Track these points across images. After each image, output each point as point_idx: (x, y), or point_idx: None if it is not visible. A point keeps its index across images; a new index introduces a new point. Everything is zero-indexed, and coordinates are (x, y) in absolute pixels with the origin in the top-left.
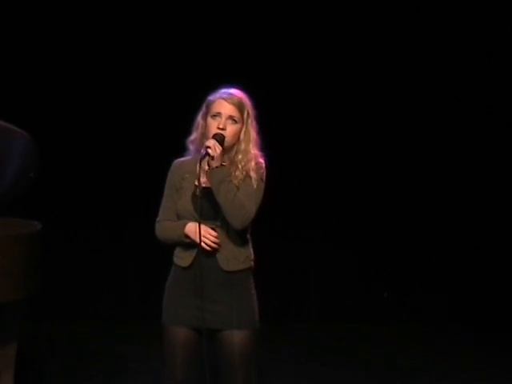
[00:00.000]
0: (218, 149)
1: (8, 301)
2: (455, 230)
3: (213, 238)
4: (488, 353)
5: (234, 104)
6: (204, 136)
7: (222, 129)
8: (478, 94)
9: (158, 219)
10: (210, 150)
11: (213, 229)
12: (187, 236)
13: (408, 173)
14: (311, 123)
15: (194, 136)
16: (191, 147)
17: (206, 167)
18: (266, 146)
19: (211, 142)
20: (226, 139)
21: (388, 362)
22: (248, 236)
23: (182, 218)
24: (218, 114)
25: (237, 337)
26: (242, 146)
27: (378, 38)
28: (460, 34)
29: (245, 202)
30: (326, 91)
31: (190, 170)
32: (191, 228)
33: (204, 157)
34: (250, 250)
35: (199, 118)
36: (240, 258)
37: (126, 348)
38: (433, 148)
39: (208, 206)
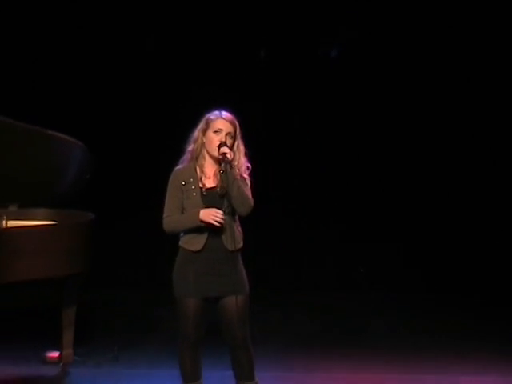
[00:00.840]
0: (231, 154)
1: (71, 274)
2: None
3: (221, 216)
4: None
5: (230, 123)
6: (204, 147)
7: (224, 142)
8: (486, 90)
9: (165, 215)
10: (228, 156)
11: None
12: (202, 220)
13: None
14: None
15: (191, 147)
16: (188, 155)
17: (223, 169)
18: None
19: (227, 150)
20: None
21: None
22: (238, 223)
23: (188, 211)
24: (220, 130)
25: (235, 300)
26: (236, 155)
27: (376, 37)
28: (459, 34)
29: (249, 195)
30: (333, 92)
31: (191, 176)
32: (205, 212)
33: (224, 160)
34: (242, 235)
35: (198, 133)
36: (238, 239)
37: (156, 309)
38: (423, 142)
39: (215, 201)
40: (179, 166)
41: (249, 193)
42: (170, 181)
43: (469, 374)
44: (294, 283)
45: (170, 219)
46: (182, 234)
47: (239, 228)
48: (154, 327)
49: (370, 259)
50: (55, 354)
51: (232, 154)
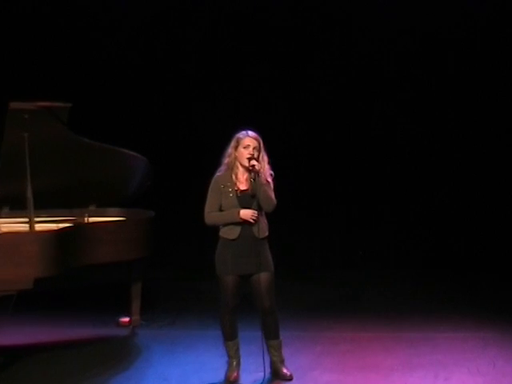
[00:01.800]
0: (259, 166)
1: (137, 257)
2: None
3: (256, 215)
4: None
5: (255, 139)
6: (237, 159)
7: (253, 155)
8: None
9: (207, 211)
10: (257, 167)
11: None
12: (241, 217)
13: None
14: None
15: (227, 160)
16: (225, 166)
17: (252, 177)
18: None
19: (255, 162)
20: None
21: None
22: (265, 217)
23: (225, 209)
24: (248, 146)
25: (263, 276)
26: (261, 163)
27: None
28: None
29: (273, 196)
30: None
31: (227, 181)
32: (245, 212)
33: (253, 171)
34: (267, 226)
35: (231, 149)
36: (264, 230)
37: (201, 284)
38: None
39: (247, 200)
40: (218, 173)
41: (272, 194)
42: (212, 184)
43: (445, 332)
44: (309, 261)
45: (212, 215)
46: (221, 226)
47: (265, 221)
48: (201, 298)
49: (367, 242)
50: (126, 319)
51: (259, 165)
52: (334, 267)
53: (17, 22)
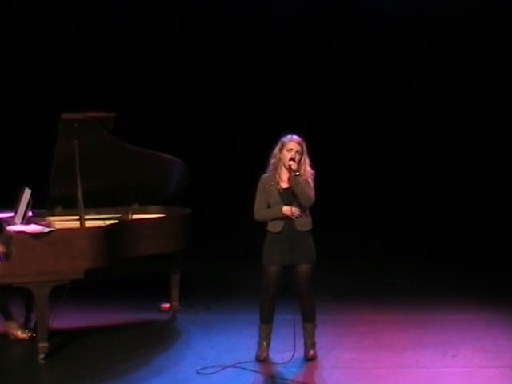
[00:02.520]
0: (295, 166)
1: (175, 250)
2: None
3: (298, 211)
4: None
5: (298, 143)
6: (281, 161)
7: (294, 158)
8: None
9: (256, 208)
10: (293, 167)
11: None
12: (284, 213)
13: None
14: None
15: (272, 161)
16: (271, 167)
17: (288, 175)
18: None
19: (291, 162)
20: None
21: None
22: (308, 212)
23: (271, 206)
24: (291, 149)
25: (304, 267)
26: (303, 166)
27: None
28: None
29: (310, 193)
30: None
31: (272, 180)
32: (287, 208)
33: (291, 170)
34: (310, 219)
35: (276, 151)
36: (307, 223)
37: (235, 273)
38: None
39: (288, 198)
40: (265, 174)
41: (311, 192)
42: (259, 184)
43: (452, 314)
44: (330, 252)
45: (260, 211)
46: (268, 221)
47: (308, 216)
48: (235, 286)
49: (382, 233)
50: (167, 305)
51: (295, 165)
52: (352, 257)
53: (62, 38)
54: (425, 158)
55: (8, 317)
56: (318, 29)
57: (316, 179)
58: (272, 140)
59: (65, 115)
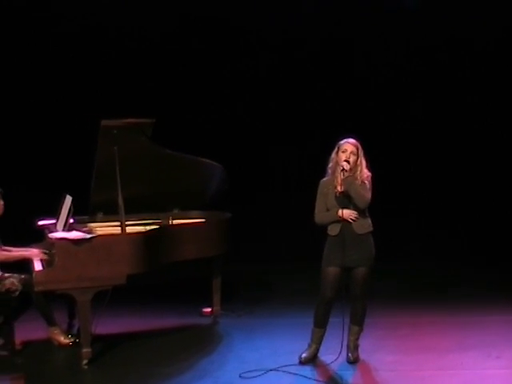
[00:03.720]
0: (347, 166)
1: (216, 254)
2: None
3: (354, 214)
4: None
5: (353, 145)
6: (337, 163)
7: (348, 159)
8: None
9: (315, 212)
10: (345, 167)
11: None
12: (339, 216)
13: None
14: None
15: (330, 164)
16: (329, 171)
17: (342, 177)
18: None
19: (344, 163)
20: (351, 164)
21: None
22: (367, 214)
23: (329, 209)
24: (346, 151)
25: (360, 270)
26: (358, 167)
27: None
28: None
29: (364, 194)
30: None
31: (329, 184)
32: (343, 211)
33: (344, 170)
34: (369, 222)
35: (333, 155)
36: (365, 225)
37: (273, 276)
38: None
39: (344, 201)
40: (324, 178)
41: (366, 193)
42: (319, 188)
43: (492, 315)
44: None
45: (319, 215)
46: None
47: (366, 218)
48: (277, 289)
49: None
50: (208, 309)
51: (348, 165)
52: (392, 259)
53: (101, 45)
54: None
55: (51, 323)
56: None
57: (374, 180)
58: (311, 142)
59: (104, 122)
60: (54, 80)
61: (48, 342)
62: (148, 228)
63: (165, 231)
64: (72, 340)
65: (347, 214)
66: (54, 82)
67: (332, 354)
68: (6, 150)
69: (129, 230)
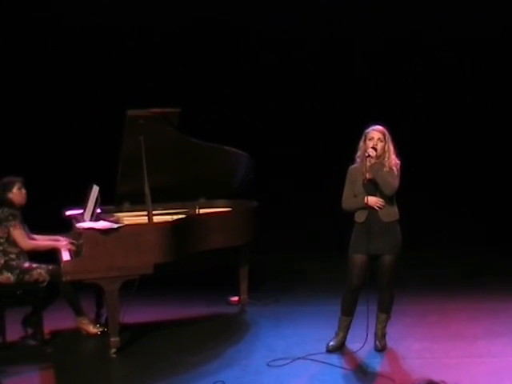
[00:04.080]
0: (373, 153)
1: (243, 243)
2: None
3: (380, 202)
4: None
5: (380, 132)
6: (365, 151)
7: (375, 146)
8: None
9: (343, 198)
10: (371, 154)
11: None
12: (365, 203)
13: None
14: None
15: (359, 153)
16: (358, 159)
17: (369, 164)
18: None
19: (371, 150)
20: (378, 151)
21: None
22: (394, 202)
23: (357, 196)
24: (372, 138)
25: (387, 258)
26: (386, 154)
27: None
28: None
29: (391, 181)
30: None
31: (358, 171)
32: (369, 198)
33: (370, 157)
34: (396, 210)
35: (361, 143)
36: (392, 214)
37: (302, 265)
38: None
39: (371, 188)
40: (353, 166)
41: (394, 180)
42: (347, 174)
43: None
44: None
45: (346, 201)
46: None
47: (393, 206)
48: (303, 278)
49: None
50: (235, 298)
51: (374, 152)
52: (418, 247)
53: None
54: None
55: (79, 312)
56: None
57: (402, 168)
58: (337, 130)
59: (130, 112)
60: (81, 71)
61: (76, 332)
62: (175, 217)
63: (191, 220)
64: (100, 329)
65: (373, 201)
66: (81, 73)
67: (359, 342)
68: (34, 141)
69: (155, 219)
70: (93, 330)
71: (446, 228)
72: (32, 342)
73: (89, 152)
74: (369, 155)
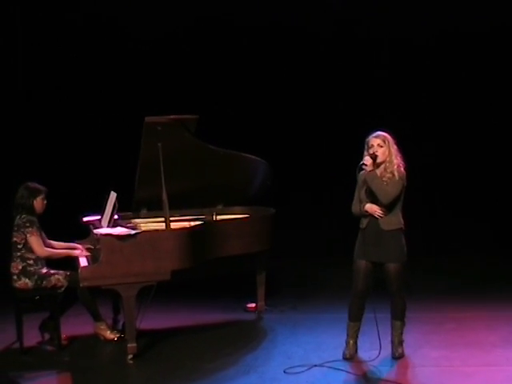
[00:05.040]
0: (369, 162)
1: (261, 249)
2: None
3: (379, 210)
4: None
5: (379, 138)
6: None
7: (375, 153)
8: None
9: (353, 203)
10: (366, 163)
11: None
12: (365, 210)
13: None
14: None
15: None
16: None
17: (365, 172)
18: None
19: (367, 159)
20: (379, 157)
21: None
22: (398, 211)
23: (362, 202)
24: (372, 146)
25: (392, 266)
26: (388, 159)
27: None
28: None
29: (387, 189)
30: None
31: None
32: (368, 206)
33: (365, 165)
34: (399, 219)
35: (365, 152)
36: (392, 222)
37: (321, 272)
38: None
39: (373, 196)
40: (362, 171)
41: (391, 188)
42: (358, 180)
43: None
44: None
45: (353, 207)
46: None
47: (395, 215)
48: (320, 285)
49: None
50: (252, 305)
51: (369, 160)
52: (437, 254)
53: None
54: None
55: (97, 318)
56: None
57: (407, 174)
58: (354, 136)
59: (148, 118)
60: (98, 78)
61: (94, 337)
62: (192, 224)
63: (209, 227)
64: (117, 335)
65: (372, 208)
66: (98, 80)
67: (376, 350)
68: (54, 148)
69: (173, 225)
70: (110, 335)
71: (464, 235)
72: (49, 348)
73: (107, 158)
74: (364, 164)
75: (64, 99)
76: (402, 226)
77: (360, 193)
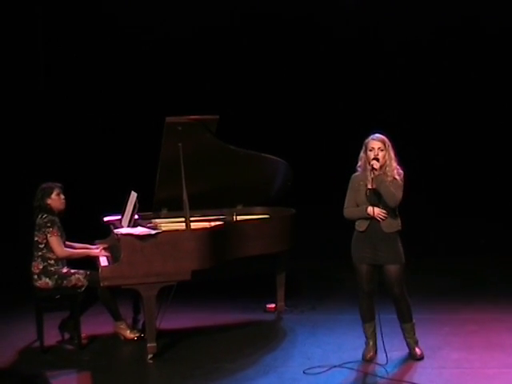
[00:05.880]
0: (377, 165)
1: (282, 250)
2: None
3: (383, 213)
4: None
5: (379, 141)
6: (365, 161)
7: (377, 156)
8: None
9: (345, 207)
10: (375, 166)
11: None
12: (368, 213)
13: None
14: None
15: (360, 163)
16: (359, 169)
17: (372, 175)
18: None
19: (374, 162)
20: (380, 160)
21: None
22: (397, 213)
23: (359, 205)
24: (373, 149)
25: (392, 268)
26: (387, 163)
27: None
28: None
29: (395, 192)
30: None
31: (361, 180)
32: (371, 209)
33: (374, 169)
34: (398, 221)
35: (362, 153)
36: (393, 225)
37: (341, 272)
38: None
39: (374, 198)
40: (356, 173)
41: (397, 191)
42: (350, 182)
43: None
44: (435, 252)
45: (348, 210)
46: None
47: (396, 217)
48: (340, 285)
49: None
50: (272, 305)
51: (377, 164)
52: (458, 255)
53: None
54: None
55: (117, 317)
56: None
57: (406, 177)
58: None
59: (169, 119)
60: (121, 78)
61: (114, 337)
62: (212, 224)
63: (229, 227)
64: (137, 335)
65: (377, 212)
66: (121, 81)
67: (397, 351)
68: (75, 148)
69: (193, 226)
70: (130, 335)
71: (483, 236)
72: (69, 347)
73: (127, 159)
74: (373, 167)
75: (87, 100)
76: (400, 229)
77: (356, 196)
